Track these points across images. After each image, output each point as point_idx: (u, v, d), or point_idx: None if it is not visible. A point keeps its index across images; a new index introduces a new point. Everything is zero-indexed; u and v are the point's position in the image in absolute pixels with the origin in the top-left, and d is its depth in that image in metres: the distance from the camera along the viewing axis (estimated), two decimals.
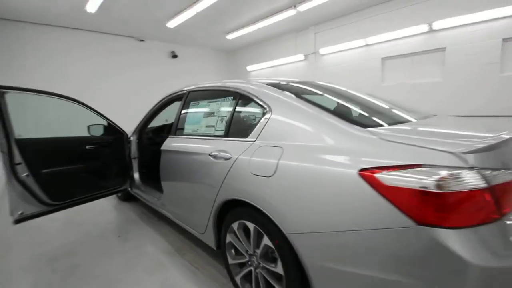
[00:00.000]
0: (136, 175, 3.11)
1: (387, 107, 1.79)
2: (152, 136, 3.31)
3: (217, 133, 1.82)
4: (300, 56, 7.24)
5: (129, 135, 3.03)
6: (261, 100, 1.58)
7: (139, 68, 7.20)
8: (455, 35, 4.76)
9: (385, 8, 5.51)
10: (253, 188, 1.39)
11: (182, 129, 2.18)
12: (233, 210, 1.60)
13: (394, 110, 1.72)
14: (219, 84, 1.99)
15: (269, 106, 1.52)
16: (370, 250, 0.99)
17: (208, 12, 5.37)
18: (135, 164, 3.12)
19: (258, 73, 8.60)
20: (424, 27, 4.99)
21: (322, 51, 6.70)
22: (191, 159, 1.89)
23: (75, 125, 2.63)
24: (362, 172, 1.01)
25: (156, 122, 3.14)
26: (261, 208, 1.34)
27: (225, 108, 1.83)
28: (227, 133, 1.74)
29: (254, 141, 1.50)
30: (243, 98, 1.73)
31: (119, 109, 5.63)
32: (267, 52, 8.12)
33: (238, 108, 1.75)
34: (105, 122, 2.78)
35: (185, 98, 2.27)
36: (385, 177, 0.96)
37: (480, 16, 4.41)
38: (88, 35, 6.38)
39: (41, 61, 5.81)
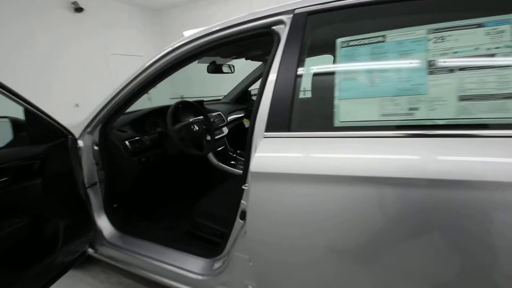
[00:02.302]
0: (104, 221, 1.50)
1: None
2: (141, 131, 1.61)
3: None
4: None
5: (76, 137, 1.38)
6: None
7: (10, 26, 4.37)
8: None
9: None
10: None
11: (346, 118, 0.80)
12: None
13: None
14: None
15: None
16: None
17: None
18: (95, 197, 1.49)
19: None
20: None
21: None
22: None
23: None
24: None
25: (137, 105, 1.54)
26: None
27: None
28: None
29: None
30: None
31: None
32: (210, 12, 6.48)
33: None
34: (18, 110, 1.09)
35: (310, 28, 0.87)
36: None
37: None
38: None
39: None
